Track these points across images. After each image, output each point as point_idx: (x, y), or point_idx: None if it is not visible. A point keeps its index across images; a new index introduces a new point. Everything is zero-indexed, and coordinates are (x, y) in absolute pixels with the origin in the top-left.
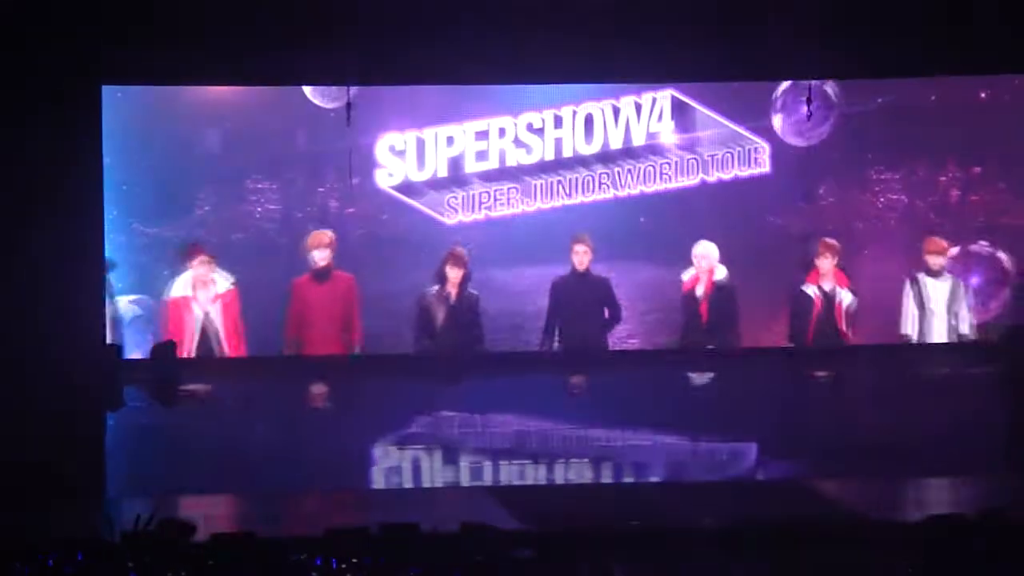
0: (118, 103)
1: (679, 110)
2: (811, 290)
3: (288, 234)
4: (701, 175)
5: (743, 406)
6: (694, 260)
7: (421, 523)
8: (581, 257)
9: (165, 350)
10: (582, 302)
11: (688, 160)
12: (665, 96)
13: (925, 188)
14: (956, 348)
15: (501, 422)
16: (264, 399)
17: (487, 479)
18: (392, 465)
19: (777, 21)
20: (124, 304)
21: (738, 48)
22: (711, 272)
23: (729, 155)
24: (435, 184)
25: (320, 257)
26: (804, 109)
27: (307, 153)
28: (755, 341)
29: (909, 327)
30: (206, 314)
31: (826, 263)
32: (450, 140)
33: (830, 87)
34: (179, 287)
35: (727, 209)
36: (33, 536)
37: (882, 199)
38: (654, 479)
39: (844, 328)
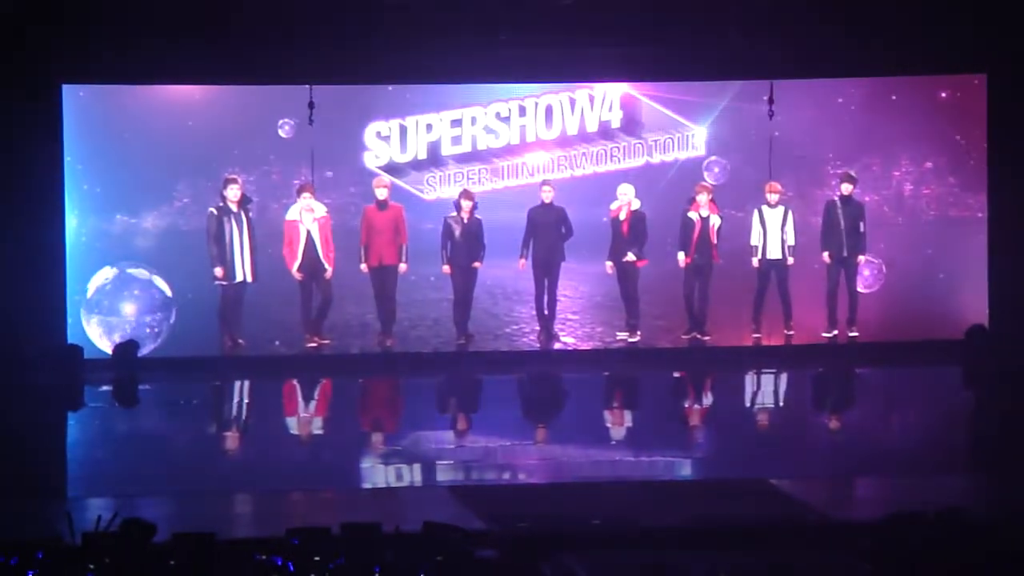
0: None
1: (627, 101)
2: (693, 215)
3: (265, 224)
4: (646, 157)
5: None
6: (618, 195)
7: (383, 523)
8: (547, 194)
9: (126, 351)
10: (547, 222)
11: (634, 144)
12: (615, 89)
13: (879, 182)
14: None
15: (472, 421)
16: (227, 398)
17: (451, 478)
18: (356, 464)
19: (737, 21)
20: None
21: (698, 50)
22: (629, 204)
23: (669, 140)
24: (416, 165)
25: (380, 193)
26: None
27: (281, 146)
28: (659, 250)
29: (755, 240)
30: (308, 232)
31: (703, 197)
32: (429, 127)
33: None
34: (292, 212)
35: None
36: None
37: (838, 192)
38: (616, 478)
39: (715, 241)
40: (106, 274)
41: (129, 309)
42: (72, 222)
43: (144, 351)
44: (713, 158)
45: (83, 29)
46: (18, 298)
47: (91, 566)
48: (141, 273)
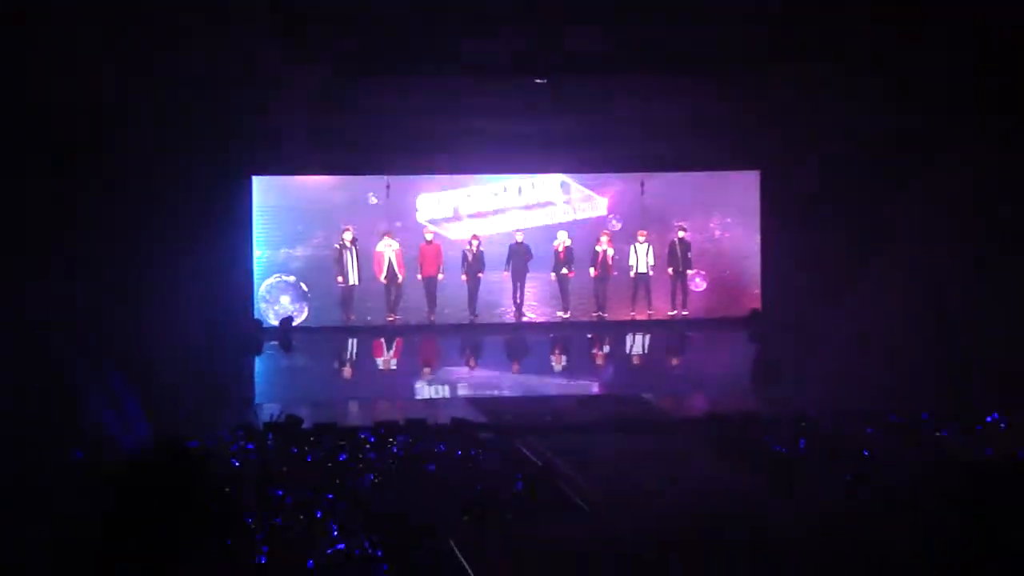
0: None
1: (563, 183)
2: (599, 248)
3: (363, 253)
4: (573, 215)
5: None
6: (558, 236)
7: (427, 418)
8: (519, 236)
9: (287, 321)
10: (519, 252)
11: (565, 208)
12: (556, 177)
13: (701, 229)
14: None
15: (481, 363)
16: (343, 350)
17: (467, 394)
18: (413, 384)
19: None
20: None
21: (604, 153)
22: (564, 242)
23: (587, 205)
24: (447, 219)
25: (428, 236)
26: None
27: (371, 209)
28: (580, 267)
29: (632, 262)
30: (389, 257)
31: (604, 238)
32: (454, 198)
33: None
34: (380, 246)
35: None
36: (211, 424)
37: (676, 235)
38: (559, 393)
39: (610, 263)
40: (273, 280)
41: (285, 299)
42: (257, 252)
43: (295, 323)
44: (611, 216)
45: (268, 141)
46: (229, 296)
47: (269, 440)
48: (291, 279)
